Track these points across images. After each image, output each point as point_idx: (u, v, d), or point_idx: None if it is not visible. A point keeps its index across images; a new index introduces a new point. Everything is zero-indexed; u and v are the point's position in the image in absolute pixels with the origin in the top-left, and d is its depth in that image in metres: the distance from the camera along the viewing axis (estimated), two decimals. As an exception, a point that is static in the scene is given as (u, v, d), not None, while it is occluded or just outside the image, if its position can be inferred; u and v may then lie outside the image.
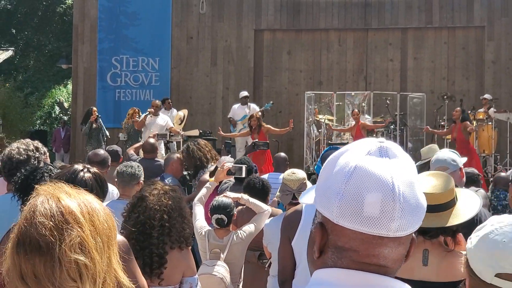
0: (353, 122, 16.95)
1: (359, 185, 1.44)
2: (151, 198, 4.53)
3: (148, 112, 15.62)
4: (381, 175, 1.45)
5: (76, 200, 1.86)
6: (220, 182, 7.58)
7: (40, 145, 5.20)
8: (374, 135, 17.27)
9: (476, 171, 8.54)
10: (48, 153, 5.41)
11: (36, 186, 1.93)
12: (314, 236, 1.53)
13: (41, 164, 4.95)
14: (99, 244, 1.83)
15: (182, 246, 4.58)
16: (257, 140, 11.43)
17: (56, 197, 1.84)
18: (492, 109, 17.02)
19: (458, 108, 16.02)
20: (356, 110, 16.80)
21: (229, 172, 6.31)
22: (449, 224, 3.45)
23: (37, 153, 5.09)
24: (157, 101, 16.50)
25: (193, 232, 5.47)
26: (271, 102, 18.16)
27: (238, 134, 16.24)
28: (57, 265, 1.74)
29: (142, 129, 15.72)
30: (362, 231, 1.45)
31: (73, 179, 3.60)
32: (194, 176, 8.96)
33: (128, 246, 3.83)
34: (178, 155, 9.24)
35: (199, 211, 6.10)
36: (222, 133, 16.28)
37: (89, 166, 3.85)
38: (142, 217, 4.49)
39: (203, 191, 6.27)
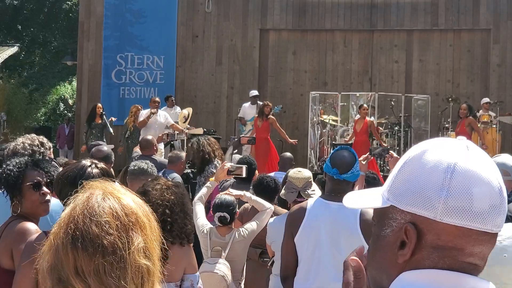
0: (357, 117, 16.88)
1: (465, 180, 1.43)
2: (153, 193, 4.52)
3: (151, 113, 15.52)
4: (484, 170, 1.45)
5: (133, 201, 1.84)
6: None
7: (45, 140, 5.20)
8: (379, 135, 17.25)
9: None
10: (52, 149, 5.40)
11: (86, 182, 1.88)
12: (395, 239, 1.49)
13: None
14: (157, 249, 1.84)
15: (183, 243, 4.57)
16: (243, 135, 11.51)
17: (116, 197, 1.81)
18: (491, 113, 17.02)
19: (464, 105, 16.05)
20: (366, 106, 16.74)
21: (229, 172, 6.28)
22: None
23: (42, 148, 5.09)
24: (156, 98, 16.42)
25: (195, 231, 5.46)
26: (281, 106, 18.14)
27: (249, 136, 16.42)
28: (124, 268, 1.72)
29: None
30: (471, 227, 1.43)
31: (81, 175, 3.60)
32: (200, 173, 8.94)
33: None
34: (184, 154, 9.32)
35: (199, 209, 6.08)
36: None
37: (96, 161, 3.85)
38: None
39: (203, 190, 6.25)
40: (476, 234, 1.44)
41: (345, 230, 4.42)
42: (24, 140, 5.11)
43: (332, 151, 4.75)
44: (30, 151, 4.98)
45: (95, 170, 3.72)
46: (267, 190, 6.65)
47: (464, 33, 20.15)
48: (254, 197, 6.09)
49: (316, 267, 4.55)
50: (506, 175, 4.96)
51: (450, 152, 1.48)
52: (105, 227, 1.72)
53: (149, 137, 10.22)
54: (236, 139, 9.34)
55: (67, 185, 3.62)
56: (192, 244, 4.75)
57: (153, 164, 7.20)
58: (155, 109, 15.65)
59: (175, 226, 4.50)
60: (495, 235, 1.46)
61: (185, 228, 4.60)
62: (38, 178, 4.07)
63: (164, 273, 4.60)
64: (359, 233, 4.39)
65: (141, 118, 15.76)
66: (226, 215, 5.89)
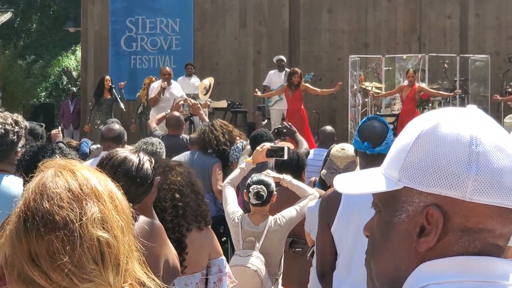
0: (405, 83, 16.80)
1: (492, 153, 1.46)
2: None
3: (161, 88, 15.10)
4: (505, 141, 1.49)
5: (92, 174, 1.86)
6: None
7: (20, 118, 5.23)
8: (430, 104, 17.16)
9: None
10: (60, 128, 5.43)
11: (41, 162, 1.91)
12: (413, 226, 1.50)
13: (21, 140, 5.03)
14: (121, 223, 1.82)
15: (201, 226, 4.65)
16: (280, 126, 11.52)
17: (70, 170, 1.84)
18: None
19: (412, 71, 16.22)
20: (412, 71, 16.59)
21: (269, 154, 6.25)
22: None
23: (17, 127, 5.12)
24: (167, 67, 16.26)
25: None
26: (312, 73, 18.09)
27: (274, 92, 16.48)
28: (77, 242, 1.72)
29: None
30: (502, 205, 1.45)
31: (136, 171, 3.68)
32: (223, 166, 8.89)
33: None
34: None
35: (230, 193, 6.08)
36: (260, 93, 16.54)
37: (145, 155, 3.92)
38: None
39: (236, 171, 6.24)
40: (506, 213, 1.46)
41: None
42: None
43: (360, 123, 4.72)
44: (2, 130, 5.03)
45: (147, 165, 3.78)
46: (289, 166, 6.62)
47: (528, -19, 19.93)
48: (295, 182, 6.06)
49: (358, 259, 4.52)
50: None
51: (468, 123, 1.50)
52: (56, 199, 1.74)
53: (177, 113, 10.24)
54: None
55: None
56: (210, 226, 4.81)
57: (160, 141, 7.31)
58: (166, 83, 15.29)
59: (188, 209, 4.58)
60: None
61: (200, 210, 4.68)
62: None
63: (184, 264, 4.65)
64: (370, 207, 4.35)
65: (151, 93, 15.45)
66: (264, 189, 5.88)
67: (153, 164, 3.82)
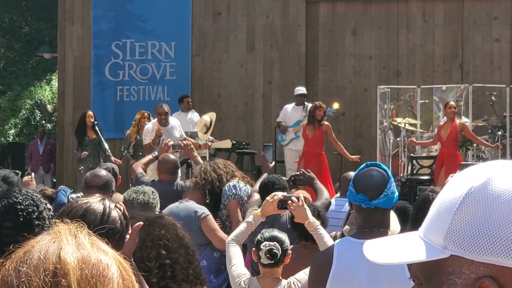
0: (442, 122, 16.77)
1: None
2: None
3: (157, 133, 14.86)
4: None
5: (83, 257, 1.75)
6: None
7: None
8: (475, 144, 17.12)
9: None
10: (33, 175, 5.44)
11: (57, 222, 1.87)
12: None
13: None
14: None
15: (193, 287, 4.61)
16: (297, 173, 11.52)
17: (59, 245, 1.75)
18: None
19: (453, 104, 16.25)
20: (453, 103, 16.55)
21: (281, 205, 6.21)
22: None
23: None
24: (163, 106, 16.12)
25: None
26: (335, 107, 18.05)
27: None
28: None
29: None
30: None
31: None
32: (215, 208, 8.88)
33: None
34: None
35: (235, 252, 6.05)
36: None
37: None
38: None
39: (242, 226, 6.21)
40: None
41: (388, 278, 4.40)
42: None
43: (356, 171, 4.74)
44: None
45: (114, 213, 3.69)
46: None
47: None
48: (322, 230, 5.98)
49: None
50: None
51: None
52: (23, 282, 1.68)
53: (172, 156, 10.26)
54: None
55: None
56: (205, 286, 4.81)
57: (154, 190, 7.31)
58: (162, 129, 15.06)
59: (177, 268, 4.58)
60: None
61: (192, 267, 4.69)
62: None
63: None
64: (408, 278, 4.32)
65: (145, 138, 15.41)
66: (278, 246, 5.86)
67: (122, 212, 3.76)
